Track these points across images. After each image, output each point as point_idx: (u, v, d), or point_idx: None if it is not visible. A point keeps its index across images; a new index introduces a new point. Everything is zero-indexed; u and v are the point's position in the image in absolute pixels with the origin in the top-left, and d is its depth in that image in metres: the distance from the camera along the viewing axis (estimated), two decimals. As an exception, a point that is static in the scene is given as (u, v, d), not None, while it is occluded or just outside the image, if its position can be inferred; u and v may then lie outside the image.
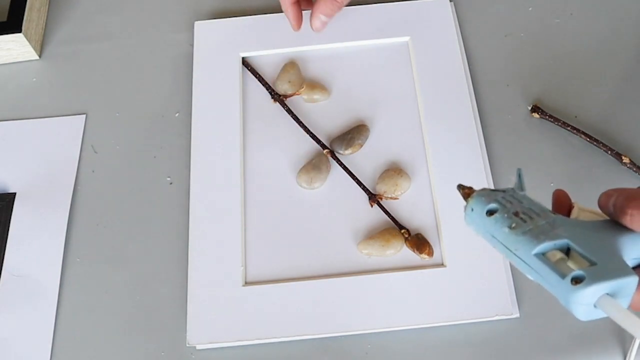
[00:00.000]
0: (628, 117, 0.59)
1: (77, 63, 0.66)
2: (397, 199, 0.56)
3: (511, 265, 0.53)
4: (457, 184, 0.40)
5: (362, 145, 0.59)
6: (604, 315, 0.33)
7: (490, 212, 0.37)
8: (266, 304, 0.52)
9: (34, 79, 0.65)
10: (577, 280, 0.32)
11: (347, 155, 0.59)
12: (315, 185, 0.57)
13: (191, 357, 0.52)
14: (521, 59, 0.63)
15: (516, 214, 0.36)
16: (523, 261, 0.35)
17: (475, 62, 0.63)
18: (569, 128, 0.58)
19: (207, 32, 0.65)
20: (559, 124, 0.59)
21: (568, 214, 0.39)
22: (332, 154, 0.58)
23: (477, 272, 0.52)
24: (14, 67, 0.66)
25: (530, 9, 0.66)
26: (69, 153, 0.60)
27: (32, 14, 0.66)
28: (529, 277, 0.35)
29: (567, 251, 0.35)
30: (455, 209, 0.55)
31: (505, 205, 0.37)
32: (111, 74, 0.65)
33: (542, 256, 0.34)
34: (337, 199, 0.57)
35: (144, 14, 0.69)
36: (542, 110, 0.59)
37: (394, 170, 0.57)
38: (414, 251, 0.54)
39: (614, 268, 0.33)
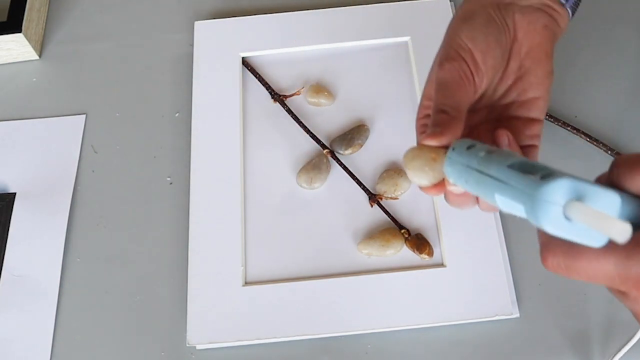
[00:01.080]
0: (628, 117, 0.59)
1: (77, 63, 0.66)
2: (397, 199, 0.56)
3: (511, 266, 0.53)
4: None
5: (362, 145, 0.59)
6: (574, 232, 0.29)
7: (470, 147, 0.36)
8: (266, 304, 0.52)
9: (34, 79, 0.65)
10: (546, 177, 0.29)
11: (347, 155, 0.59)
12: (315, 185, 0.57)
13: (191, 357, 0.52)
14: (521, 59, 0.63)
15: (497, 150, 0.35)
16: (496, 179, 0.32)
17: (475, 62, 0.63)
18: (569, 128, 0.58)
19: (207, 32, 0.65)
20: (559, 124, 0.59)
21: None
22: (332, 154, 0.58)
23: (477, 272, 0.52)
24: (14, 67, 0.66)
25: (530, 9, 0.66)
26: (69, 153, 0.60)
27: (32, 14, 0.66)
28: (500, 204, 0.32)
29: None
30: (455, 209, 0.55)
31: (486, 145, 0.36)
32: (111, 74, 0.65)
33: (516, 169, 0.32)
34: (337, 199, 0.57)
35: (143, 14, 0.69)
36: (542, 110, 0.59)
37: (394, 170, 0.57)
38: (414, 251, 0.54)
39: (593, 183, 0.29)
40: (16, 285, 0.54)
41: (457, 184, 0.37)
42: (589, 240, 0.29)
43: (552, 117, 0.59)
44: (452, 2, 0.65)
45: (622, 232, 0.27)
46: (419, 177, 0.39)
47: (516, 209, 0.31)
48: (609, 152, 0.57)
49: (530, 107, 0.44)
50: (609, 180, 0.32)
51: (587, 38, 0.64)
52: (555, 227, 0.29)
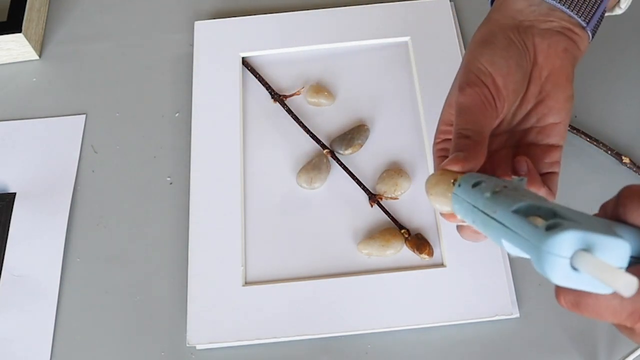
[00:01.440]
0: (628, 117, 0.59)
1: (77, 63, 0.66)
2: (397, 199, 0.56)
3: (511, 266, 0.53)
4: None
5: (362, 145, 0.59)
6: (582, 281, 0.28)
7: (475, 185, 0.35)
8: (266, 304, 0.52)
9: (34, 79, 0.65)
10: (552, 228, 0.28)
11: (347, 155, 0.59)
12: (315, 185, 0.57)
13: (191, 357, 0.52)
14: (521, 59, 0.63)
15: (505, 186, 0.34)
16: (502, 224, 0.31)
17: (475, 62, 0.63)
18: (569, 128, 0.58)
19: (207, 32, 0.65)
20: (559, 124, 0.59)
21: None
22: (332, 154, 0.58)
23: (477, 272, 0.52)
24: (14, 67, 0.66)
25: (530, 9, 0.66)
26: (69, 153, 0.60)
27: (32, 14, 0.66)
28: (507, 249, 0.32)
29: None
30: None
31: (493, 180, 0.35)
32: (111, 74, 0.65)
33: (522, 214, 0.31)
34: (337, 199, 0.57)
35: (143, 14, 0.69)
36: (542, 110, 0.59)
37: (394, 170, 0.57)
38: (414, 251, 0.54)
39: (599, 229, 0.28)
40: (16, 285, 0.54)
41: (465, 221, 0.36)
42: (598, 289, 0.29)
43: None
44: (452, 2, 0.65)
45: (629, 286, 0.26)
46: (441, 203, 0.38)
47: (524, 254, 0.31)
48: (609, 152, 0.57)
49: (550, 132, 0.43)
50: (612, 210, 0.32)
51: (587, 38, 0.64)
52: (562, 279, 0.28)
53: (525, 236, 0.30)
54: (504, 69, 0.41)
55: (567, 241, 0.28)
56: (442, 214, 0.39)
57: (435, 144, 0.45)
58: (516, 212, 0.31)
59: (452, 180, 0.37)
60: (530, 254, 0.29)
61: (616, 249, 0.28)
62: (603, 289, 0.29)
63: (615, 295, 0.29)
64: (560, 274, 0.28)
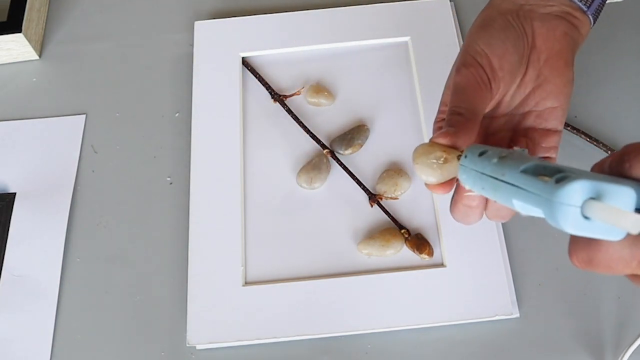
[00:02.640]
0: (628, 117, 0.59)
1: (77, 63, 0.66)
2: (397, 199, 0.56)
3: (511, 266, 0.53)
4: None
5: (362, 145, 0.59)
6: (593, 229, 0.30)
7: (482, 153, 0.36)
8: (266, 304, 0.52)
9: (34, 79, 0.65)
10: (561, 180, 0.30)
11: (347, 155, 0.59)
12: (315, 185, 0.57)
13: (191, 357, 0.52)
14: (521, 59, 0.63)
15: (510, 153, 0.35)
16: (511, 184, 0.33)
17: (475, 62, 0.63)
18: (569, 128, 0.58)
19: (207, 32, 0.65)
20: (559, 124, 0.59)
21: None
22: (332, 154, 0.58)
23: (477, 272, 0.52)
24: (14, 67, 0.66)
25: (530, 9, 0.66)
26: (69, 153, 0.60)
27: (32, 14, 0.66)
28: (519, 209, 0.33)
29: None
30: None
31: (498, 149, 0.36)
32: (111, 74, 0.65)
33: (530, 173, 0.32)
34: (337, 199, 0.57)
35: (143, 14, 0.69)
36: (542, 110, 0.59)
37: (394, 170, 0.57)
38: (414, 251, 0.54)
39: (606, 179, 0.30)
40: (16, 285, 0.54)
41: (473, 191, 0.37)
42: (609, 236, 0.30)
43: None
44: (452, 2, 0.65)
45: (638, 223, 0.28)
46: (426, 173, 0.39)
47: (535, 212, 0.32)
48: (609, 152, 0.57)
49: (548, 117, 0.44)
50: (613, 167, 0.33)
51: (587, 38, 0.64)
52: (575, 228, 0.30)
53: (535, 192, 0.31)
54: (500, 50, 0.42)
55: (577, 190, 0.29)
56: (426, 185, 0.40)
57: (434, 122, 0.46)
58: (524, 171, 0.32)
59: (457, 156, 0.38)
60: (542, 208, 0.31)
61: (623, 196, 0.30)
62: (614, 235, 0.30)
63: (625, 244, 0.30)
64: (572, 222, 0.30)
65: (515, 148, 0.38)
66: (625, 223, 0.28)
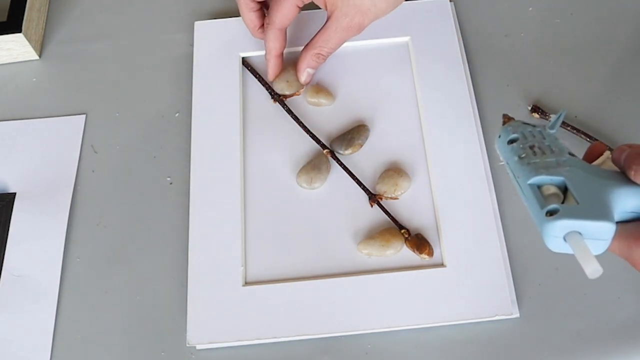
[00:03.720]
0: (627, 117, 0.59)
1: (77, 63, 0.66)
2: (397, 199, 0.56)
3: (511, 266, 0.53)
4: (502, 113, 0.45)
5: (362, 145, 0.59)
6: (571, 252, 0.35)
7: (511, 141, 0.41)
8: (266, 304, 0.52)
9: (34, 79, 0.65)
10: (551, 213, 0.35)
11: (347, 155, 0.59)
12: (315, 185, 0.57)
13: (191, 357, 0.52)
14: (521, 59, 0.63)
15: (532, 147, 0.40)
16: (521, 188, 0.38)
17: (475, 62, 0.63)
18: (569, 128, 0.58)
19: (207, 32, 0.65)
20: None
21: (596, 159, 0.41)
22: (332, 154, 0.58)
23: (477, 272, 0.52)
24: (14, 67, 0.66)
25: (530, 9, 0.66)
26: (69, 153, 0.60)
27: (32, 14, 0.66)
28: (525, 204, 0.38)
29: (565, 191, 0.37)
30: (455, 208, 0.55)
31: (527, 137, 0.40)
32: (111, 74, 0.65)
33: (536, 187, 0.37)
34: (337, 199, 0.57)
35: (144, 14, 0.69)
36: (542, 110, 0.59)
37: (394, 170, 0.57)
38: (414, 251, 0.54)
39: (593, 211, 0.35)
40: (16, 285, 0.54)
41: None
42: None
43: (552, 117, 0.59)
44: (452, 2, 0.65)
45: (594, 272, 0.34)
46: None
47: (533, 217, 0.37)
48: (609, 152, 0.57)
49: None
50: (617, 164, 0.38)
51: (587, 38, 0.64)
52: (558, 250, 0.36)
53: (532, 210, 0.37)
54: None
55: (561, 227, 0.35)
56: None
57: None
58: (532, 185, 0.37)
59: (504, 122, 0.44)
60: (536, 224, 0.37)
61: (603, 232, 0.35)
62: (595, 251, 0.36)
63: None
64: (555, 246, 0.36)
65: (552, 116, 0.43)
66: (587, 265, 0.34)
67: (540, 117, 0.59)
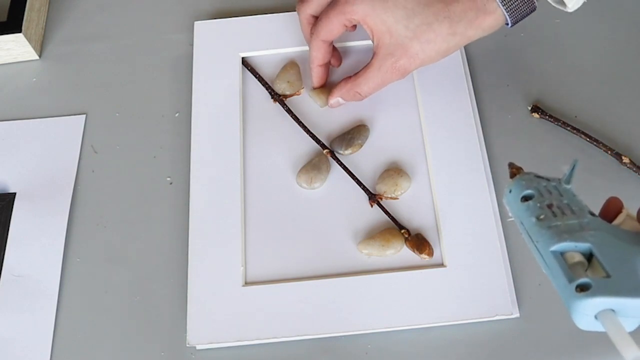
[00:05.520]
0: (628, 117, 0.59)
1: (77, 63, 0.66)
2: (397, 199, 0.56)
3: (511, 266, 0.53)
4: (508, 162, 0.39)
5: (362, 145, 0.59)
6: (603, 329, 0.31)
7: (525, 198, 0.36)
8: (266, 304, 0.52)
9: (34, 79, 0.65)
10: (582, 288, 0.31)
11: (347, 155, 0.59)
12: (315, 185, 0.57)
13: (191, 357, 0.52)
14: (521, 59, 0.63)
15: (550, 206, 0.35)
16: (541, 255, 0.34)
17: (475, 62, 0.63)
18: (569, 128, 0.58)
19: (207, 32, 0.65)
20: (559, 124, 0.59)
21: (614, 218, 0.37)
22: (332, 154, 0.58)
23: (477, 272, 0.52)
24: (14, 67, 0.66)
25: (530, 9, 0.66)
26: (69, 153, 0.60)
27: (32, 14, 0.66)
28: (545, 272, 0.34)
29: (589, 257, 0.33)
30: (455, 209, 0.55)
31: (543, 195, 0.36)
32: (111, 74, 0.65)
33: (559, 255, 0.33)
34: (337, 199, 0.57)
35: (143, 14, 0.69)
36: (542, 110, 0.59)
37: (394, 170, 0.57)
38: (414, 251, 0.54)
39: (627, 285, 0.31)
40: (16, 285, 0.54)
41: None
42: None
43: (552, 117, 0.59)
44: (452, 2, 0.65)
45: (632, 356, 0.29)
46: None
47: (555, 287, 0.34)
48: (609, 152, 0.57)
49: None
50: None
51: (587, 37, 0.64)
52: (586, 328, 0.32)
53: (557, 282, 0.33)
54: None
55: (594, 306, 0.31)
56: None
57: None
58: (554, 252, 0.33)
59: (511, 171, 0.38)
60: (562, 297, 0.32)
61: (638, 307, 0.31)
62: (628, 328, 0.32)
63: None
64: (585, 325, 0.32)
65: (558, 206, 0.36)
66: (626, 350, 0.29)
67: (541, 117, 0.59)
